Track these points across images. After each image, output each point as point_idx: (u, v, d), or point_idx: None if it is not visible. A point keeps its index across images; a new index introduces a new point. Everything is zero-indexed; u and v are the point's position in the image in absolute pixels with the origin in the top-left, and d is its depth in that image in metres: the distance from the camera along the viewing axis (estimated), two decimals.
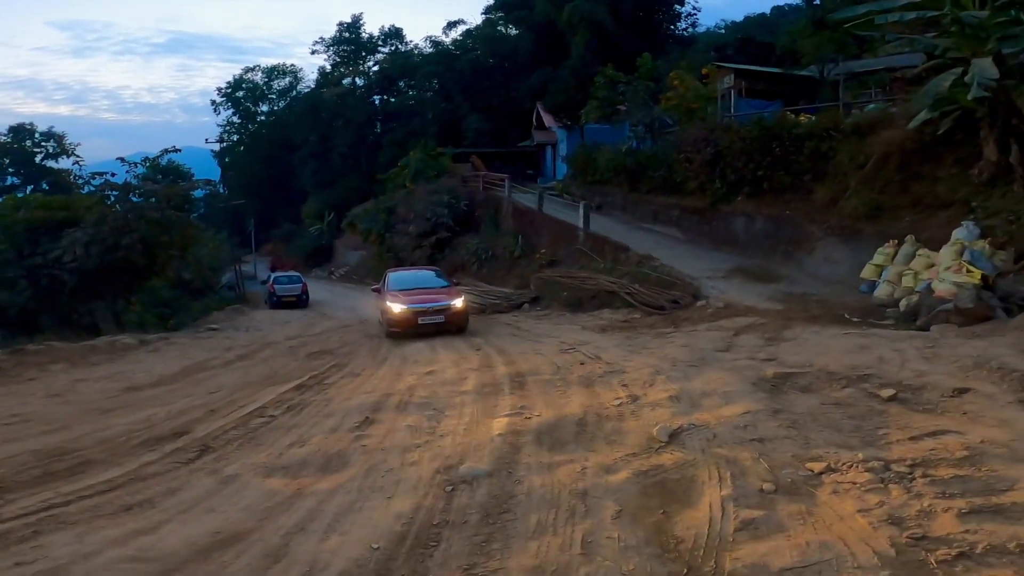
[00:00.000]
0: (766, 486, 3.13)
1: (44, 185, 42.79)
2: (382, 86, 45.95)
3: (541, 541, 2.82)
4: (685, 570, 2.50)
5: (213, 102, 53.46)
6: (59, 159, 46.16)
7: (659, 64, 20.27)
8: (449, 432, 4.71)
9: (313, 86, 49.92)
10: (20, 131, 46.35)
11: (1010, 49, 9.16)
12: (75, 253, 13.48)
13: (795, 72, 18.72)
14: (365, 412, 5.49)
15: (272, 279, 23.61)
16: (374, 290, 12.19)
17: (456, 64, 41.16)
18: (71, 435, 5.26)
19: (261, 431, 5.21)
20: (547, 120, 29.79)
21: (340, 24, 47.79)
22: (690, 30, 35.65)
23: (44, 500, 3.63)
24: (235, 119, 54.20)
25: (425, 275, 12.58)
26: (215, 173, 50.65)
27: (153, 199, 16.08)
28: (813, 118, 14.16)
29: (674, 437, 4.07)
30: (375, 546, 2.81)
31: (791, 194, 13.30)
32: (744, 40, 28.63)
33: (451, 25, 46.52)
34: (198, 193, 28.03)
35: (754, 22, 37.44)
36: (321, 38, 48.87)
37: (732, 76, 18.93)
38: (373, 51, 48.12)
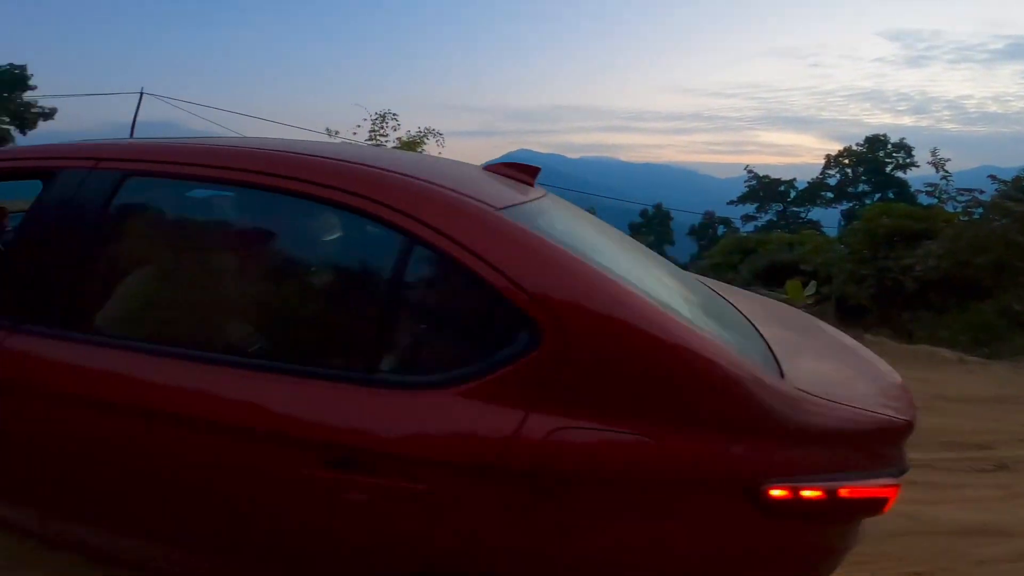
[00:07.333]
0: None
1: (889, 194, 44.89)
2: None
3: None
4: None
5: None
6: (906, 171, 47.94)
7: None
8: None
9: None
10: (875, 142, 49.57)
11: None
12: (925, 264, 14.84)
13: None
14: None
15: None
16: None
17: None
18: None
19: None
20: None
21: None
22: None
23: None
24: None
25: None
26: None
27: (1007, 219, 15.29)
28: None
29: None
30: None
31: None
32: None
33: None
34: None
35: None
36: None
37: None
38: None
